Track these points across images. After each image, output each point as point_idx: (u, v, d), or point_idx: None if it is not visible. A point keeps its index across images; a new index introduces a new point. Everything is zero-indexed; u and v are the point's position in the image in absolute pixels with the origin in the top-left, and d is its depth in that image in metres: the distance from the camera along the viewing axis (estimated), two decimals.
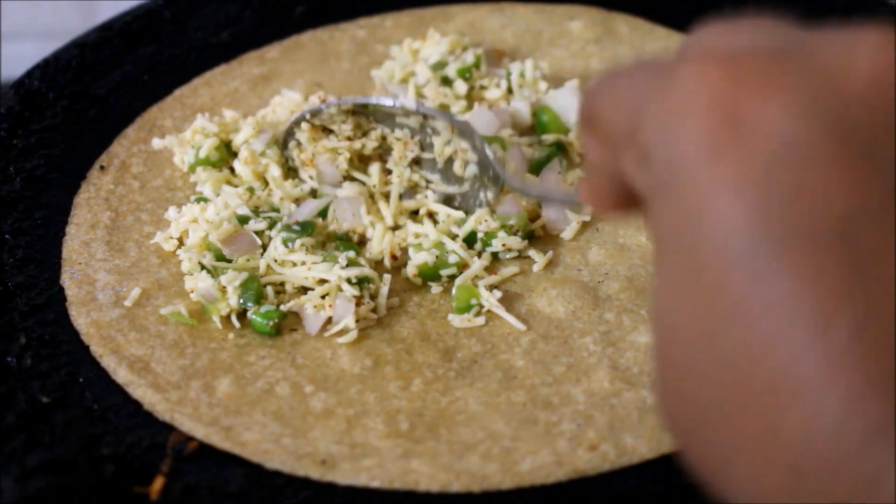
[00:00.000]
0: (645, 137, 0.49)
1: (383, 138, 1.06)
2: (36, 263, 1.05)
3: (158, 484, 0.84)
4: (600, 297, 1.00)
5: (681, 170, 0.47)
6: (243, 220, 1.04)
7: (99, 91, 1.27)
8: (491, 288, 1.01)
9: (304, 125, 1.08)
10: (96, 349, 0.96)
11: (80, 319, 0.99)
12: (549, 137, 1.15)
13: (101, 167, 1.17)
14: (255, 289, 0.97)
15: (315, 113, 1.07)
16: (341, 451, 0.86)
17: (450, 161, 1.05)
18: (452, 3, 1.40)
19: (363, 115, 1.06)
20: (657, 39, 1.32)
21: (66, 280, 1.03)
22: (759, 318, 0.43)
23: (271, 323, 0.96)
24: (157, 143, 1.17)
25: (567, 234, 1.07)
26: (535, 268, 1.03)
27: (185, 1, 1.41)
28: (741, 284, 0.44)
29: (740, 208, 0.44)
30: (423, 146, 1.05)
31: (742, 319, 0.44)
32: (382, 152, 1.08)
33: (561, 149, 1.15)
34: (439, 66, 1.22)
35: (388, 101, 1.04)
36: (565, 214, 1.07)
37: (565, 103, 1.18)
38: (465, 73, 1.20)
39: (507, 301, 1.00)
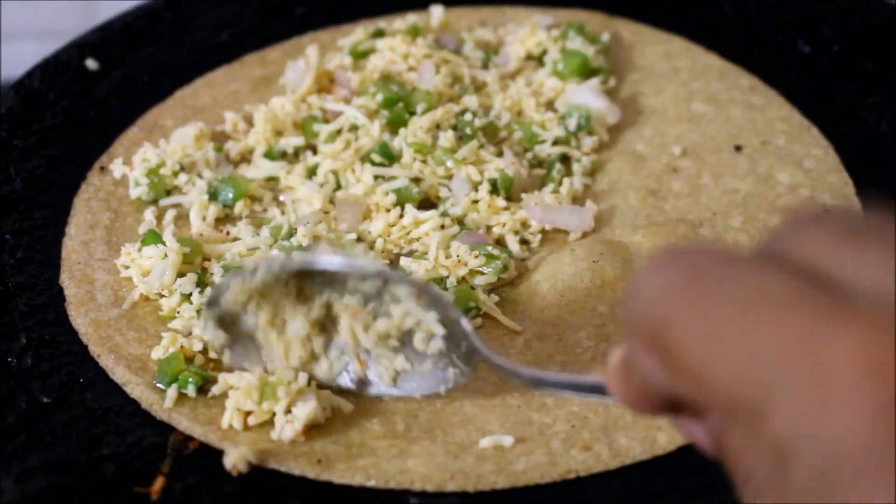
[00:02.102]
0: (781, 426, 0.39)
1: (328, 307, 0.86)
2: (36, 264, 1.06)
3: (159, 484, 0.85)
4: (593, 288, 1.01)
5: (839, 468, 0.38)
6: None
7: (99, 91, 1.28)
8: (489, 291, 1.02)
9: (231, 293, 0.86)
10: (94, 349, 0.97)
11: (79, 319, 1.00)
12: (548, 149, 1.16)
13: (102, 168, 1.18)
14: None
15: (249, 274, 0.84)
16: (337, 450, 0.87)
17: (409, 334, 0.85)
18: (455, 6, 1.41)
19: (308, 278, 0.84)
20: (658, 43, 1.33)
21: (66, 280, 1.04)
22: None
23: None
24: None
25: (570, 238, 1.08)
26: (540, 284, 1.02)
27: (185, 1, 1.42)
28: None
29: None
30: (377, 315, 0.85)
31: None
32: (326, 322, 0.87)
33: (563, 159, 1.17)
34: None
35: (340, 264, 0.82)
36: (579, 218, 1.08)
37: (584, 100, 1.20)
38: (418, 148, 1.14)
39: (504, 302, 1.01)
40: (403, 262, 1.01)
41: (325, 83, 1.26)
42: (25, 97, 1.25)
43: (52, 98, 1.26)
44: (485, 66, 1.29)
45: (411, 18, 1.33)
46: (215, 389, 0.91)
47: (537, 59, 1.30)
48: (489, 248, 1.01)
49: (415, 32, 1.30)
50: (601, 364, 0.93)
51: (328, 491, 0.85)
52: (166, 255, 1.01)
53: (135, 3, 1.42)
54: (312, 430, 0.89)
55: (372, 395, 0.90)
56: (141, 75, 1.31)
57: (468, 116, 1.17)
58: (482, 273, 1.00)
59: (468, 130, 1.16)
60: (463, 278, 1.01)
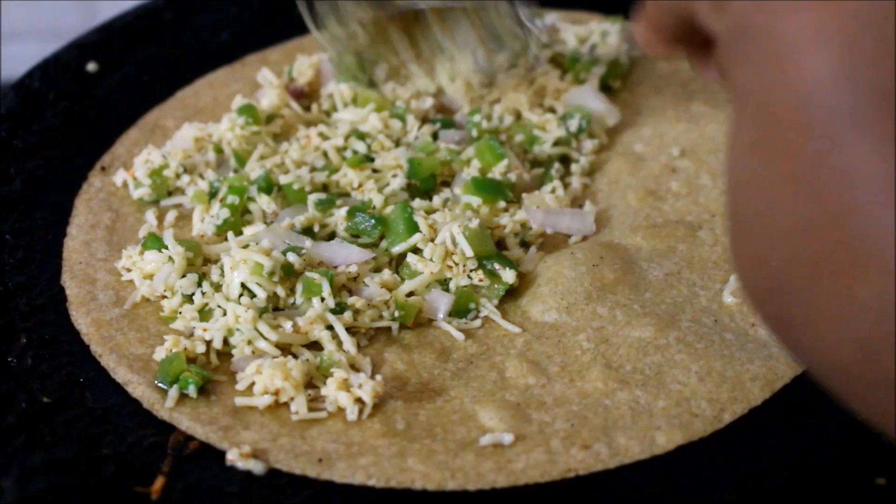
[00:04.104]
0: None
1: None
2: (36, 264, 1.06)
3: (159, 484, 0.85)
4: (593, 291, 1.01)
5: (760, 16, 0.46)
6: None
7: (99, 92, 1.28)
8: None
9: None
10: (96, 348, 0.97)
11: (81, 319, 1.00)
12: (548, 150, 1.17)
13: (103, 168, 1.18)
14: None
15: None
16: (338, 449, 0.87)
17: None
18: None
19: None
20: None
21: (67, 280, 1.04)
22: (838, 184, 0.43)
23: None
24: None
25: (571, 240, 1.08)
26: (540, 287, 1.02)
27: (185, 1, 1.42)
28: (820, 146, 0.43)
29: (823, 61, 0.43)
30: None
31: (820, 183, 0.43)
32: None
33: (562, 159, 1.17)
34: None
35: None
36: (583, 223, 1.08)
37: (583, 101, 1.21)
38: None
39: (504, 304, 1.01)
40: (410, 258, 1.01)
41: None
42: (25, 97, 1.25)
43: (52, 98, 1.26)
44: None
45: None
46: (248, 369, 0.92)
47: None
48: (496, 266, 1.01)
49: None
50: (600, 367, 0.94)
51: (329, 490, 0.85)
52: (170, 259, 1.01)
53: (135, 3, 1.42)
54: (313, 427, 0.89)
55: None
56: (141, 75, 1.31)
57: (476, 118, 1.18)
58: (484, 288, 1.01)
59: (474, 132, 1.17)
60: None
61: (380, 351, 0.97)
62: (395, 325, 0.98)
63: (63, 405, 0.92)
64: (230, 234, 1.04)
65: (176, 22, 1.39)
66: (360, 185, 1.10)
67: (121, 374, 0.94)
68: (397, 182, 1.10)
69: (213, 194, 1.11)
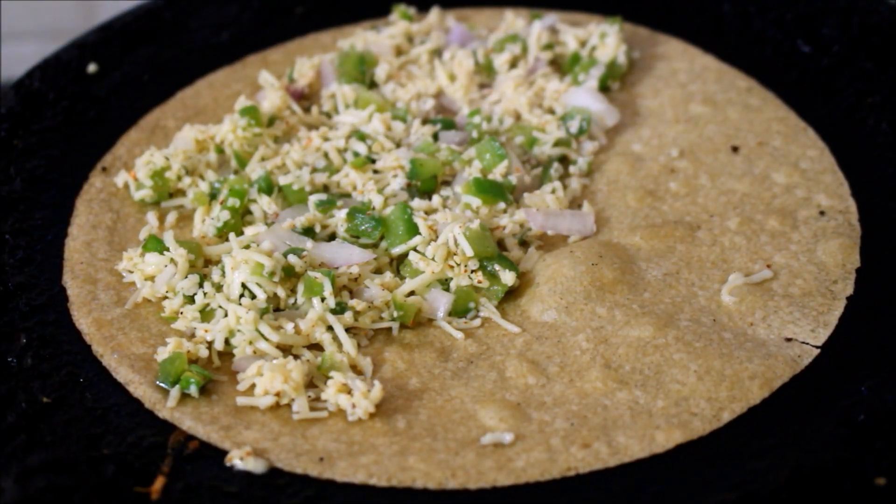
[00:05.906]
0: None
1: None
2: (36, 264, 1.06)
3: (159, 484, 0.85)
4: (592, 290, 1.01)
5: None
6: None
7: (99, 91, 1.29)
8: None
9: None
10: (97, 348, 0.97)
11: (82, 319, 1.00)
12: (548, 150, 1.17)
13: (104, 168, 1.18)
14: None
15: None
16: (339, 448, 0.88)
17: None
18: (455, 8, 1.41)
19: None
20: (656, 45, 1.34)
21: (68, 280, 1.04)
22: None
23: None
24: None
25: (570, 240, 1.09)
26: (539, 287, 1.02)
27: (185, 1, 1.42)
28: None
29: None
30: None
31: None
32: None
33: (561, 160, 1.18)
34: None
35: None
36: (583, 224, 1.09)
37: (583, 102, 1.21)
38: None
39: (504, 304, 1.01)
40: (412, 257, 1.01)
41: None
42: (25, 97, 1.25)
43: (52, 98, 1.26)
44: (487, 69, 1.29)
45: (403, 26, 1.34)
46: (249, 371, 0.92)
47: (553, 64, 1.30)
48: (497, 268, 1.01)
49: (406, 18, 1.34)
50: (600, 367, 0.94)
51: (330, 489, 0.85)
52: (172, 261, 1.01)
53: (135, 3, 1.42)
54: (314, 427, 0.89)
55: None
56: (141, 75, 1.31)
57: (476, 119, 1.18)
58: (483, 289, 1.01)
59: (474, 133, 1.17)
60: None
61: (380, 350, 0.97)
62: (395, 326, 0.98)
63: (63, 405, 0.92)
64: (231, 235, 1.05)
65: (176, 22, 1.39)
66: (363, 186, 1.10)
67: (122, 373, 0.95)
68: (397, 182, 1.10)
69: (213, 196, 1.11)
